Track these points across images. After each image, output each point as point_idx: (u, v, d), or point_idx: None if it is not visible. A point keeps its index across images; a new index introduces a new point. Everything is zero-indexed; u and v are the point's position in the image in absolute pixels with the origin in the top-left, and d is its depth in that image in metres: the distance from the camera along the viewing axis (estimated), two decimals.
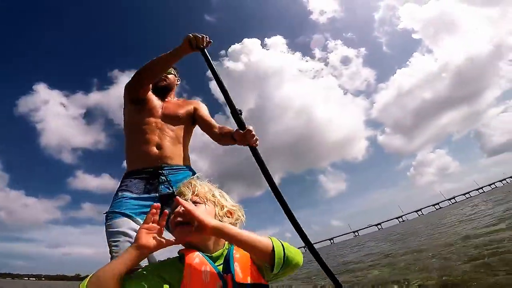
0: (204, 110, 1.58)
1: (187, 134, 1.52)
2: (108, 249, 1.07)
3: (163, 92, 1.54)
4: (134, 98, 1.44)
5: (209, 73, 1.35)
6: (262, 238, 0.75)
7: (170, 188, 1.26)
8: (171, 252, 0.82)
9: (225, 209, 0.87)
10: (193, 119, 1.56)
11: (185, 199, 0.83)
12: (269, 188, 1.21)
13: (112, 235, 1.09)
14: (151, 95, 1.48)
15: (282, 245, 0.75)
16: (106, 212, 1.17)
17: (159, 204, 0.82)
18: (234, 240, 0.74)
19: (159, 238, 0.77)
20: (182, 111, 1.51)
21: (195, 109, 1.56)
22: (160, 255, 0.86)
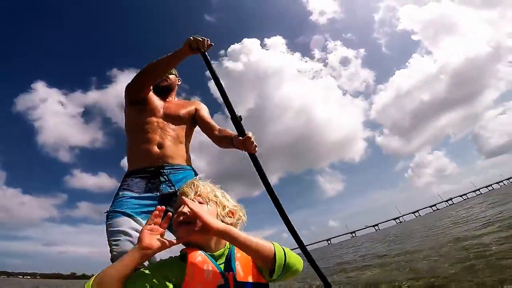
0: (205, 111, 1.59)
1: (188, 134, 1.52)
2: (109, 248, 1.07)
3: (164, 92, 1.55)
4: (135, 99, 1.44)
5: (208, 72, 1.35)
6: (264, 243, 0.76)
7: (171, 187, 1.26)
8: (173, 251, 0.84)
9: (227, 209, 0.88)
10: (194, 119, 1.56)
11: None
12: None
13: (112, 234, 1.09)
14: (152, 95, 1.49)
15: (284, 251, 0.77)
16: (107, 211, 1.17)
17: (163, 207, 0.83)
18: (238, 244, 0.75)
19: (162, 239, 0.78)
20: (183, 111, 1.51)
21: (196, 110, 1.57)
22: (162, 254, 0.87)
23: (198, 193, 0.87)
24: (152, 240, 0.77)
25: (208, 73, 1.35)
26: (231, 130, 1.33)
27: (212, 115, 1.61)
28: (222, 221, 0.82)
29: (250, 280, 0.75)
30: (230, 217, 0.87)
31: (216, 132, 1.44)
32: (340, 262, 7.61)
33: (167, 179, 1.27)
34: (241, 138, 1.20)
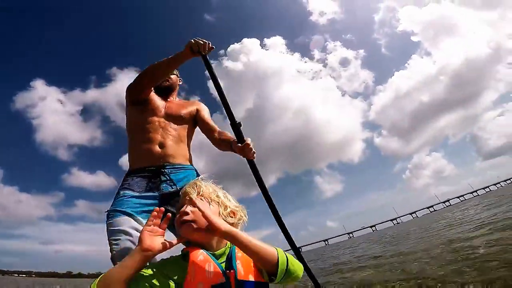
0: (206, 112, 1.60)
1: (189, 134, 1.53)
2: (109, 247, 1.08)
3: (165, 92, 1.56)
4: (136, 99, 1.45)
5: (207, 72, 1.35)
6: (268, 248, 0.77)
7: (172, 186, 1.26)
8: (174, 251, 0.84)
9: (229, 210, 0.89)
10: (195, 120, 1.57)
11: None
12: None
13: (113, 234, 1.09)
14: (153, 95, 1.50)
15: (287, 257, 0.78)
16: (107, 211, 1.17)
17: (162, 209, 0.83)
18: (243, 246, 0.76)
19: (162, 240, 0.79)
20: (185, 111, 1.52)
21: (198, 111, 1.58)
22: (163, 253, 0.87)
23: (201, 193, 0.88)
24: (153, 241, 0.78)
25: (207, 72, 1.36)
26: (230, 133, 1.34)
27: (211, 114, 1.63)
28: (224, 221, 0.83)
29: (251, 278, 0.76)
30: (232, 217, 0.88)
31: (216, 134, 1.45)
32: (336, 262, 7.69)
33: (168, 178, 1.28)
34: (240, 144, 1.21)
